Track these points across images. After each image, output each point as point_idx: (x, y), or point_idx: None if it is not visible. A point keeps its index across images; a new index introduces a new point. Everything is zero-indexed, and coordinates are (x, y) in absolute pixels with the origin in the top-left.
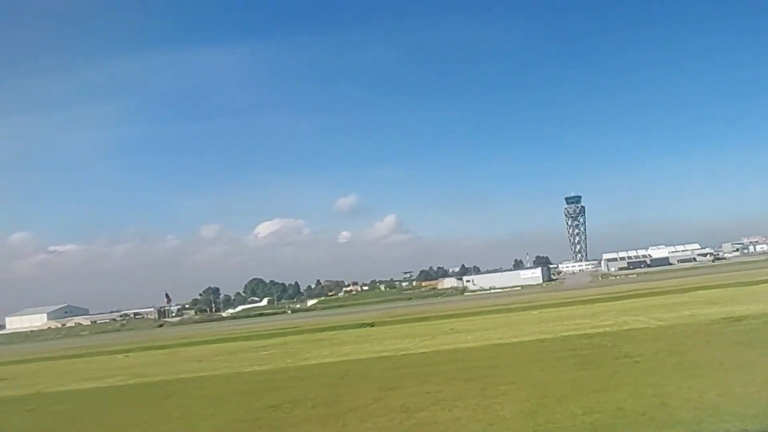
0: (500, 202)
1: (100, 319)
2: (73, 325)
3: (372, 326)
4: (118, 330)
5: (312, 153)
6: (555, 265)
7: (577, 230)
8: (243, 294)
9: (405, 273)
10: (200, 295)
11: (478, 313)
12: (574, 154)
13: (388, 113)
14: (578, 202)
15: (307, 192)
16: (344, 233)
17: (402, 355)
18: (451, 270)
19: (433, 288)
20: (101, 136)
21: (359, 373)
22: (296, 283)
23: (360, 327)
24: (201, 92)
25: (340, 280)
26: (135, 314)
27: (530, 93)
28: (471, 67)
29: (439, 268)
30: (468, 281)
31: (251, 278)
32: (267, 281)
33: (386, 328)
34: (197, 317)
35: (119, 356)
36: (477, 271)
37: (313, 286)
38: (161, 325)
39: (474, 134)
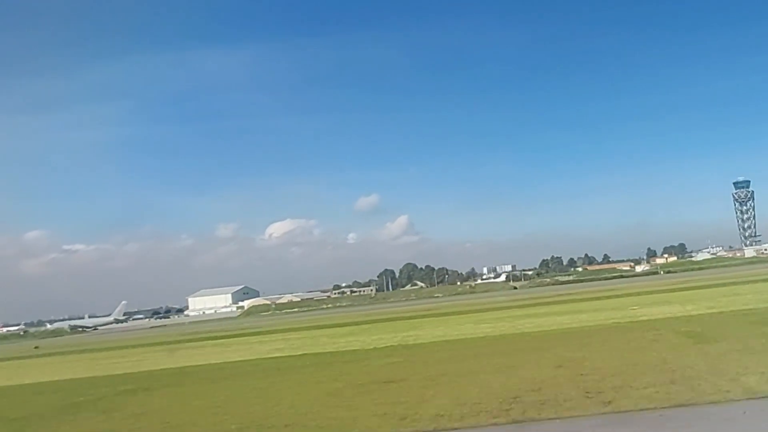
0: (512, 201)
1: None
2: (286, 301)
3: None
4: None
5: (327, 153)
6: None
7: (746, 215)
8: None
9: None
10: (377, 276)
11: None
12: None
13: (401, 114)
14: (747, 186)
15: (325, 192)
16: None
17: None
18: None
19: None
20: (109, 136)
21: None
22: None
23: None
24: (213, 93)
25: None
26: (352, 291)
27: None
28: (482, 67)
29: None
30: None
31: (406, 263)
32: (421, 266)
33: None
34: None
35: None
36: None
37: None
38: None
39: (484, 134)
